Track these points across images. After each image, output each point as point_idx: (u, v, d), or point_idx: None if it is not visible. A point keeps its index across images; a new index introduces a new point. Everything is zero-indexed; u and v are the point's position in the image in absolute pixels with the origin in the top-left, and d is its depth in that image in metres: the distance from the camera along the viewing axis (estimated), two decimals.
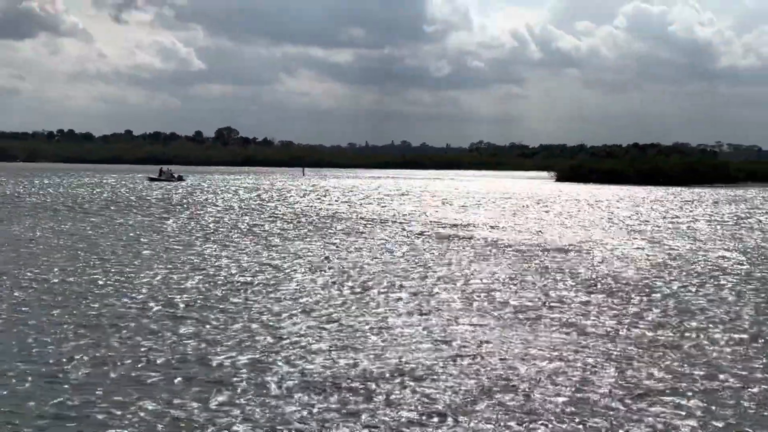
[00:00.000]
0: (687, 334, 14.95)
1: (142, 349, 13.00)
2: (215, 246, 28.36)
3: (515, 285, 20.35)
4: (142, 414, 9.97)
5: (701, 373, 12.27)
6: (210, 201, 57.82)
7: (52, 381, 11.28)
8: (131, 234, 32.34)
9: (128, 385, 11.11)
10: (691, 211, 53.88)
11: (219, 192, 72.30)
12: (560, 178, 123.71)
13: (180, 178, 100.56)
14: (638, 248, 29.88)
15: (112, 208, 48.95)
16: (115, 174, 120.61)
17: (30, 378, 11.35)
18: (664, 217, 47.50)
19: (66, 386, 11.02)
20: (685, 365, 12.74)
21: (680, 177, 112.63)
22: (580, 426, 9.90)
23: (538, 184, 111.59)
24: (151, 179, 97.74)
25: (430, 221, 40.93)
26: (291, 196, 67.45)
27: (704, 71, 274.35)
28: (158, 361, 12.29)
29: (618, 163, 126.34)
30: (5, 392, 10.75)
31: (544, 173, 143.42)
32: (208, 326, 14.77)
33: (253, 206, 52.35)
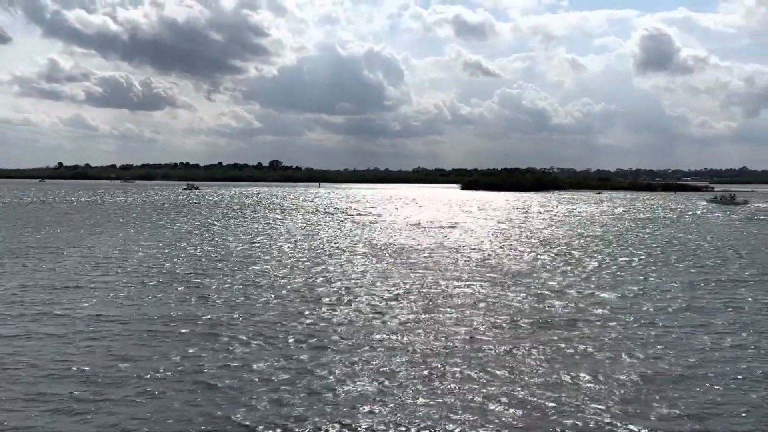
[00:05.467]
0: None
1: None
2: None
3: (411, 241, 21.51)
4: None
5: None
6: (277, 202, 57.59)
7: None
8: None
9: None
10: (533, 206, 55.38)
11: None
12: (464, 188, 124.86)
13: (197, 188, 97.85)
14: (487, 225, 30.41)
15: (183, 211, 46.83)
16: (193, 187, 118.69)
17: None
18: (515, 207, 48.11)
19: None
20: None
21: (531, 186, 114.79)
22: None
23: (450, 191, 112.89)
24: (184, 189, 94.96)
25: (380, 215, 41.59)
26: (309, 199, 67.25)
27: (543, 126, 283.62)
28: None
29: (496, 179, 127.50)
30: None
31: (455, 185, 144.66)
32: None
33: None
